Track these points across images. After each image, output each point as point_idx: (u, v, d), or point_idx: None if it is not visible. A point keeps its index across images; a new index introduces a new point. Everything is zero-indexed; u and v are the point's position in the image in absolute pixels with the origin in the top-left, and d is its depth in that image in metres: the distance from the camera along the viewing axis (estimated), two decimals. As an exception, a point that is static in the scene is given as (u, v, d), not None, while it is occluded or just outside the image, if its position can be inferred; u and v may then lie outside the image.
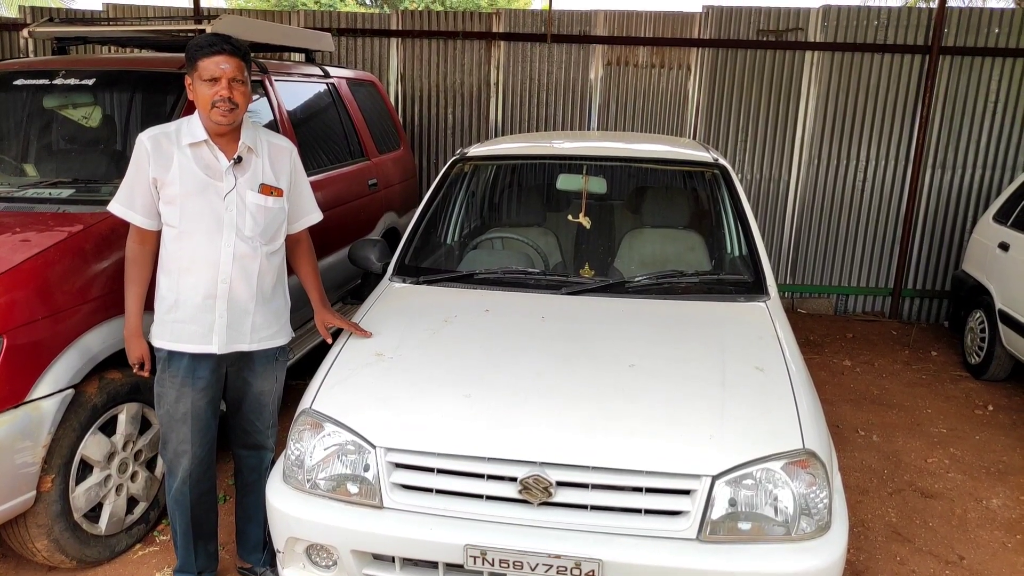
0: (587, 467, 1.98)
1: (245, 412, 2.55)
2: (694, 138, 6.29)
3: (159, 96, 3.29)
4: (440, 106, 6.53)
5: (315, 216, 2.61)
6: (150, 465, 2.94)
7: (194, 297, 2.31)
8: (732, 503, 1.96)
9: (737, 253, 3.25)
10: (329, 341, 2.60)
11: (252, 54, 2.34)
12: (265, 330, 2.45)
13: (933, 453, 3.95)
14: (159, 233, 2.35)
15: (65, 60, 3.64)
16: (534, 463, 1.99)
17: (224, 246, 2.31)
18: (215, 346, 2.35)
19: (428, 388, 2.23)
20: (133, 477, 2.85)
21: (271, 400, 2.56)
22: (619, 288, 2.87)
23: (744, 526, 1.96)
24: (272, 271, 2.45)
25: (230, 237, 2.31)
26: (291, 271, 2.60)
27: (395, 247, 3.21)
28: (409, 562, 2.07)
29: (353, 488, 2.09)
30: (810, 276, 6.49)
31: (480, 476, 2.02)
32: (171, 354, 2.36)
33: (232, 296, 2.35)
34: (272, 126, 3.73)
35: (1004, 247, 4.83)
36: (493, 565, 1.94)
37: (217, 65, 2.20)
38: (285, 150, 2.47)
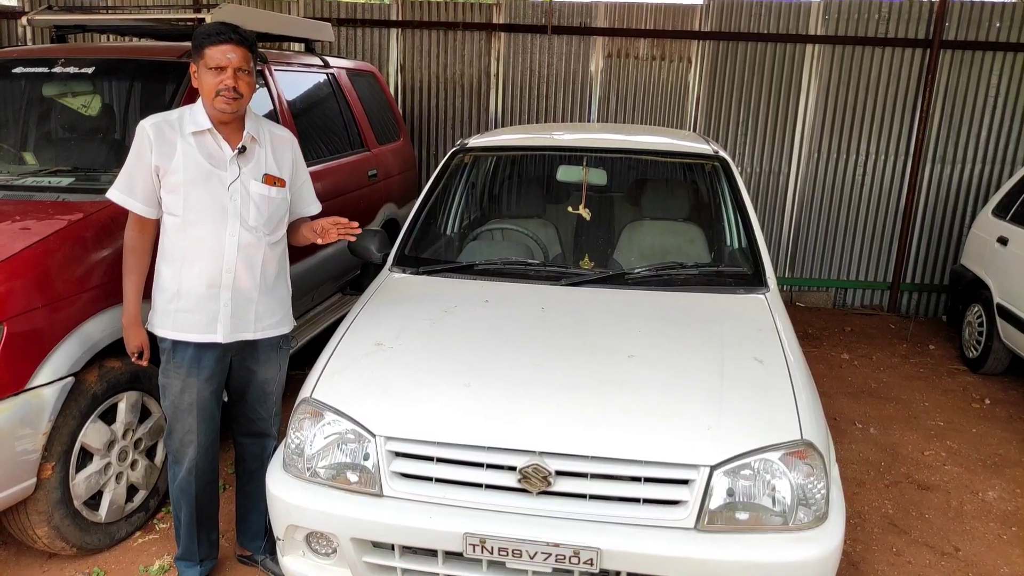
0: (586, 457, 1.99)
1: (249, 400, 2.55)
2: (694, 131, 6.28)
3: (158, 85, 3.28)
4: (440, 97, 6.52)
5: (314, 208, 2.62)
6: (150, 453, 2.94)
7: (198, 287, 2.31)
8: (730, 493, 1.97)
9: (737, 245, 3.26)
10: (319, 241, 2.47)
11: (256, 45, 2.33)
12: (269, 318, 2.46)
13: (930, 446, 3.97)
14: (158, 222, 2.35)
15: (64, 48, 3.63)
16: (533, 452, 2.00)
17: (228, 235, 2.31)
18: (219, 335, 2.35)
19: (428, 378, 2.24)
20: (133, 465, 2.86)
21: (274, 388, 2.57)
22: (619, 280, 2.88)
23: (742, 516, 1.97)
24: (275, 260, 2.45)
25: (234, 226, 2.31)
26: (294, 250, 2.60)
27: (395, 238, 3.21)
28: (408, 550, 2.08)
29: (353, 476, 2.10)
30: (809, 269, 6.49)
31: (479, 465, 2.03)
32: (175, 344, 2.36)
33: (236, 285, 2.35)
34: (272, 116, 3.72)
35: (1003, 241, 4.83)
36: (492, 553, 1.95)
37: (223, 54, 2.20)
38: (287, 141, 2.48)
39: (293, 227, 2.57)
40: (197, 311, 2.33)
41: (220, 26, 2.23)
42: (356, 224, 2.47)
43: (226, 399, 2.59)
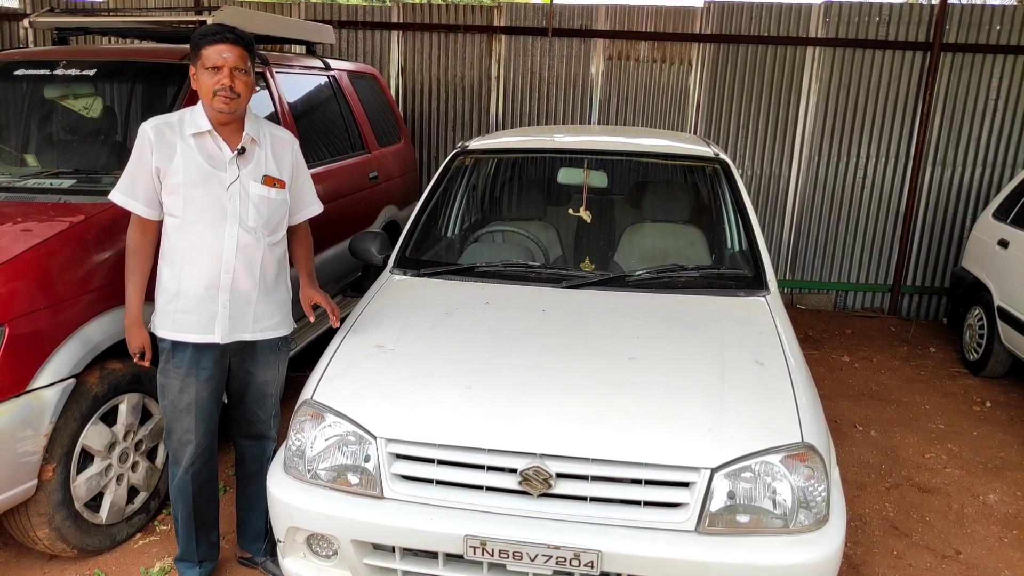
0: (587, 459, 1.99)
1: (248, 402, 2.55)
2: (695, 133, 6.28)
3: (160, 87, 3.29)
4: (441, 99, 6.53)
5: (316, 208, 2.62)
6: (151, 455, 2.94)
7: (197, 287, 2.32)
8: (731, 495, 1.97)
9: (737, 248, 3.26)
10: (312, 319, 2.58)
11: (254, 45, 2.34)
12: (267, 320, 2.46)
13: (931, 448, 3.97)
14: (160, 223, 2.36)
15: (66, 50, 3.63)
16: (534, 455, 2.00)
17: (227, 236, 2.31)
18: (218, 336, 2.35)
19: (429, 380, 2.24)
20: (134, 467, 2.86)
21: (274, 390, 2.57)
22: (619, 282, 2.88)
23: (742, 518, 1.97)
24: (274, 262, 2.45)
25: (233, 227, 2.32)
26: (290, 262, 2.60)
27: (395, 240, 3.21)
28: (409, 552, 2.08)
29: (354, 478, 2.10)
30: (810, 272, 6.50)
31: (480, 467, 2.03)
32: (174, 344, 2.36)
33: (235, 286, 2.35)
34: (273, 118, 3.72)
35: (1003, 244, 4.83)
36: (493, 556, 1.95)
37: (219, 54, 2.20)
38: (287, 142, 2.48)
39: (290, 238, 2.57)
40: (196, 312, 2.33)
41: (216, 27, 2.24)
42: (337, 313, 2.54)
43: (225, 401, 2.59)
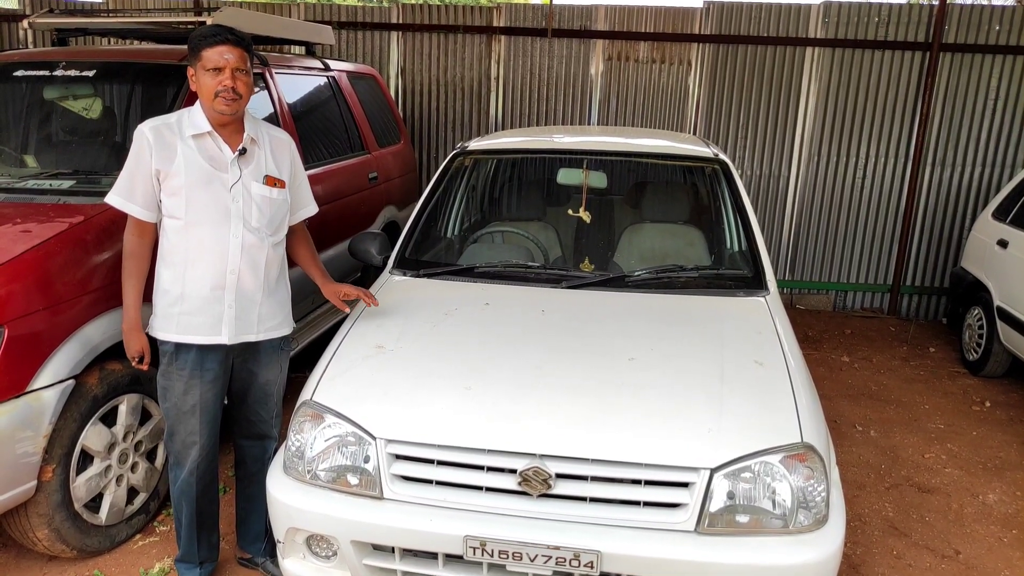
0: (586, 459, 1.99)
1: (250, 402, 2.56)
2: (694, 134, 6.29)
3: (159, 88, 3.29)
4: (440, 100, 6.53)
5: (311, 209, 2.63)
6: (150, 456, 2.95)
7: (201, 289, 2.31)
8: (730, 496, 1.97)
9: (737, 248, 3.26)
10: (346, 310, 2.63)
11: (252, 46, 2.34)
12: (271, 320, 2.47)
13: (930, 448, 3.97)
14: (157, 225, 2.35)
15: (65, 51, 3.64)
16: (534, 455, 2.00)
17: (232, 237, 2.31)
18: (225, 337, 2.35)
19: (428, 380, 2.24)
20: (133, 468, 2.86)
21: (276, 389, 2.58)
22: (619, 282, 2.88)
23: (742, 519, 1.97)
24: (277, 261, 2.46)
25: (237, 228, 2.32)
26: (291, 262, 2.61)
27: (395, 241, 3.21)
28: (409, 553, 2.08)
29: (353, 479, 2.10)
30: (809, 272, 6.50)
31: (480, 468, 2.03)
32: (178, 347, 2.36)
33: (240, 287, 2.35)
34: (272, 119, 3.73)
35: (1003, 244, 4.84)
36: (492, 556, 1.95)
37: (221, 55, 2.20)
38: (285, 143, 2.49)
39: (290, 239, 2.57)
40: (201, 313, 2.33)
41: (216, 28, 2.24)
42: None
43: (225, 402, 2.59)
